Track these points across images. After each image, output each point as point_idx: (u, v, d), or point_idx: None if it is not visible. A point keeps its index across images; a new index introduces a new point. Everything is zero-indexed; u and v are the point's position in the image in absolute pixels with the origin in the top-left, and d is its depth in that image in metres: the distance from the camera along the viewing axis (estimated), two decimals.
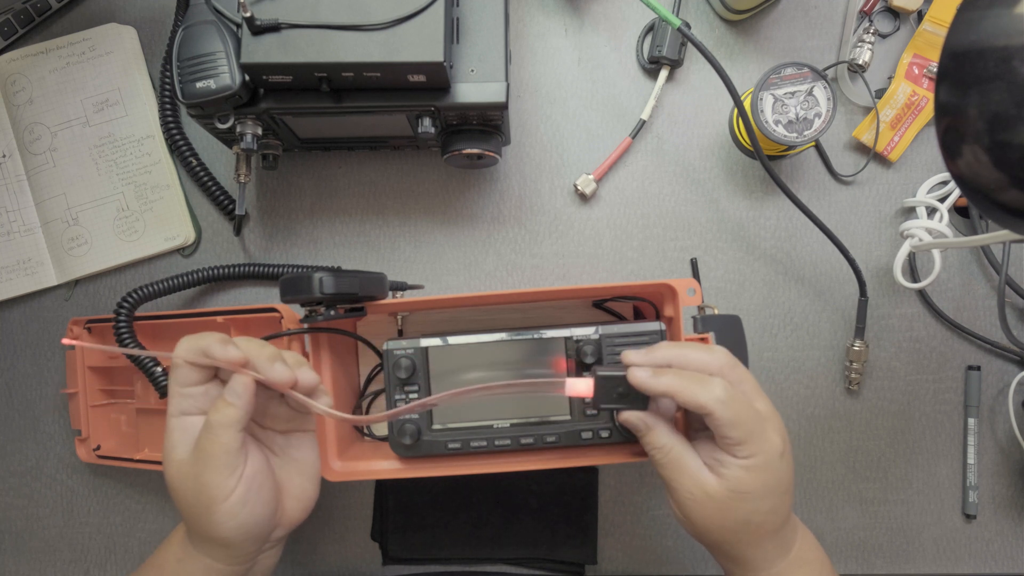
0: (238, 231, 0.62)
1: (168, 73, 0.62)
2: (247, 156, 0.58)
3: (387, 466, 0.53)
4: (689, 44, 0.59)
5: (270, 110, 0.50)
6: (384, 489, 0.61)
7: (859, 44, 0.60)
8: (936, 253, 0.56)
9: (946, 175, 0.60)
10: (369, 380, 0.60)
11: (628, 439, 0.51)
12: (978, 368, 0.60)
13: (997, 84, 0.31)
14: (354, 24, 0.46)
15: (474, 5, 0.51)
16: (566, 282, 0.62)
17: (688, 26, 0.53)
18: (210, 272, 0.59)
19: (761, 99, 0.55)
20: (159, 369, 0.55)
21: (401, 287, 0.59)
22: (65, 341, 0.43)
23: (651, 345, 0.44)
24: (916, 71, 0.60)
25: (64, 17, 0.64)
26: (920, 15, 0.60)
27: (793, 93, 0.55)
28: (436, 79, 0.49)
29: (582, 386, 0.43)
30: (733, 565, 0.44)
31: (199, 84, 0.48)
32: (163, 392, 0.55)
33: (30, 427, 0.64)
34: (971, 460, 0.60)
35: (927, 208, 0.59)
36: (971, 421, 0.60)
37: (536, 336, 0.51)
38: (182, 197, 0.62)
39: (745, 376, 0.43)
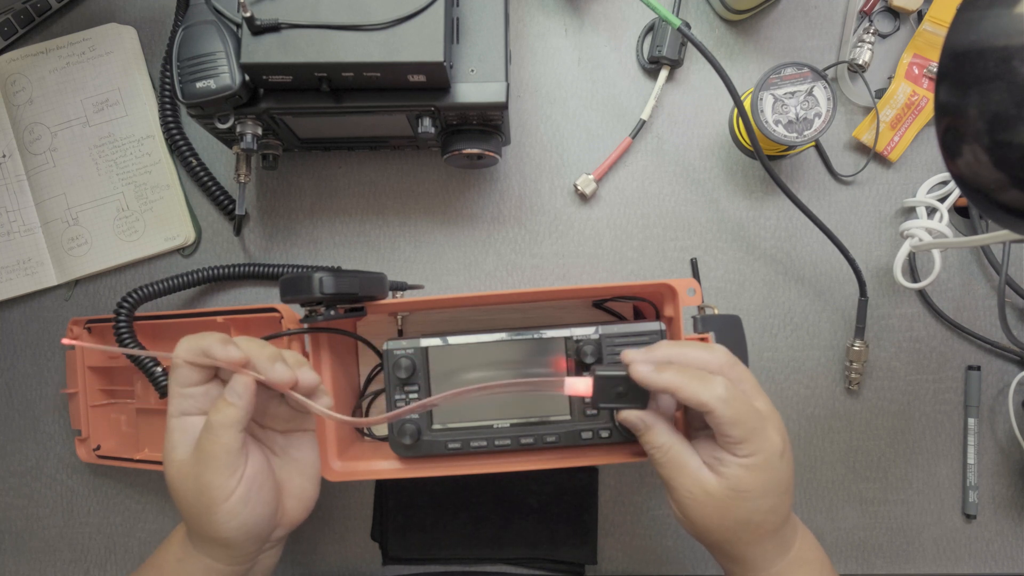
0: (238, 231, 0.62)
1: (168, 73, 0.62)
2: (247, 156, 0.58)
3: (387, 466, 0.53)
4: (689, 44, 0.59)
5: (270, 110, 0.50)
6: (384, 489, 0.61)
7: (859, 44, 0.60)
8: (936, 253, 0.56)
9: (946, 175, 0.60)
10: (369, 380, 0.60)
11: (628, 439, 0.51)
12: (978, 368, 0.60)
13: (997, 84, 0.31)
14: (354, 24, 0.46)
15: (474, 5, 0.51)
16: (566, 282, 0.62)
17: (688, 26, 0.53)
18: (210, 272, 0.59)
19: (761, 99, 0.55)
20: (159, 369, 0.55)
21: (401, 287, 0.59)
22: (65, 341, 0.43)
23: (651, 344, 0.44)
24: (916, 71, 0.60)
25: (64, 17, 0.64)
26: (920, 15, 0.60)
27: (793, 93, 0.55)
28: (436, 79, 0.49)
29: (581, 385, 0.43)
30: (733, 565, 0.44)
31: (199, 84, 0.48)
32: (163, 392, 0.55)
33: (30, 427, 0.64)
34: (971, 460, 0.60)
35: (927, 208, 0.59)
36: (971, 421, 0.60)
37: (536, 336, 0.51)
38: (182, 197, 0.62)
39: (745, 375, 0.43)
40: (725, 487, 0.41)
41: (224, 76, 0.48)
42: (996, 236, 0.45)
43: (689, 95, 0.62)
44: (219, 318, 0.55)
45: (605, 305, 0.58)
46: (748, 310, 0.61)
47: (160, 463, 0.57)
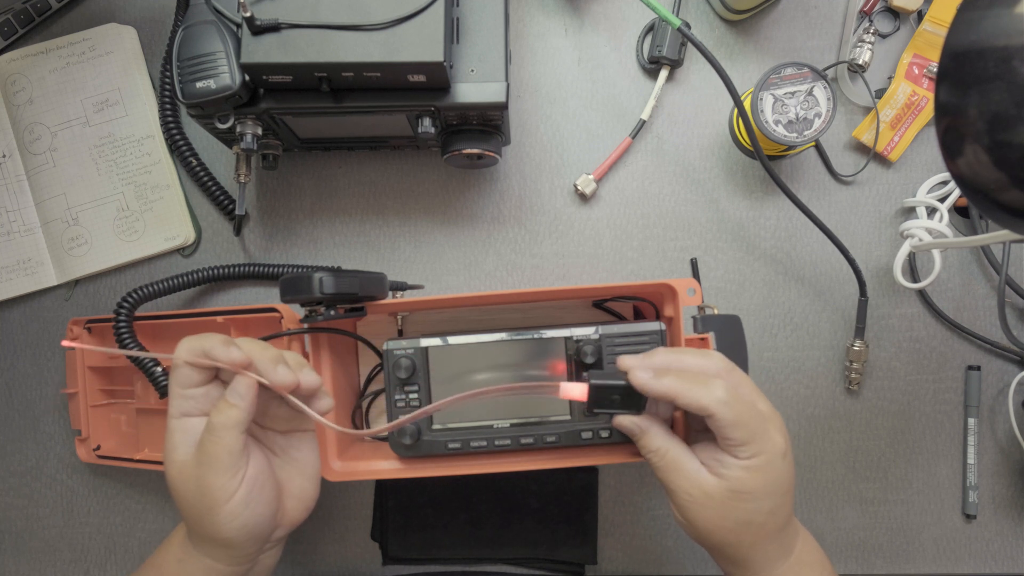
0: (238, 231, 0.62)
1: (168, 73, 0.62)
2: (247, 156, 0.58)
3: (387, 466, 0.53)
4: (689, 44, 0.59)
5: (270, 110, 0.50)
6: (384, 489, 0.61)
7: (859, 44, 0.60)
8: (936, 253, 0.56)
9: (946, 175, 0.60)
10: (369, 380, 0.60)
11: (628, 439, 0.50)
12: (978, 368, 0.60)
13: (997, 84, 0.31)
14: (354, 24, 0.46)
15: (474, 5, 0.51)
16: (566, 282, 0.62)
17: (688, 26, 0.53)
18: (210, 272, 0.59)
19: (761, 99, 0.55)
20: (159, 369, 0.55)
21: (401, 287, 0.59)
22: (65, 343, 0.43)
23: (647, 351, 0.44)
24: (916, 71, 0.60)
25: (64, 17, 0.64)
26: (920, 15, 0.60)
27: (793, 93, 0.55)
28: (436, 79, 0.49)
29: (577, 391, 0.43)
30: (734, 568, 0.44)
31: (199, 84, 0.48)
32: (163, 392, 0.55)
33: (30, 427, 0.64)
34: (971, 460, 0.60)
35: (927, 208, 0.59)
36: (971, 421, 0.60)
37: (536, 336, 0.51)
38: (182, 197, 0.62)
39: (743, 379, 0.43)
40: (725, 488, 0.41)
41: (224, 76, 0.48)
42: (996, 236, 0.45)
43: (689, 95, 0.62)
44: (219, 318, 0.55)
45: (605, 305, 0.58)
46: (748, 310, 0.61)
47: (160, 463, 0.57)
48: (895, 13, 0.61)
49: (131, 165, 0.62)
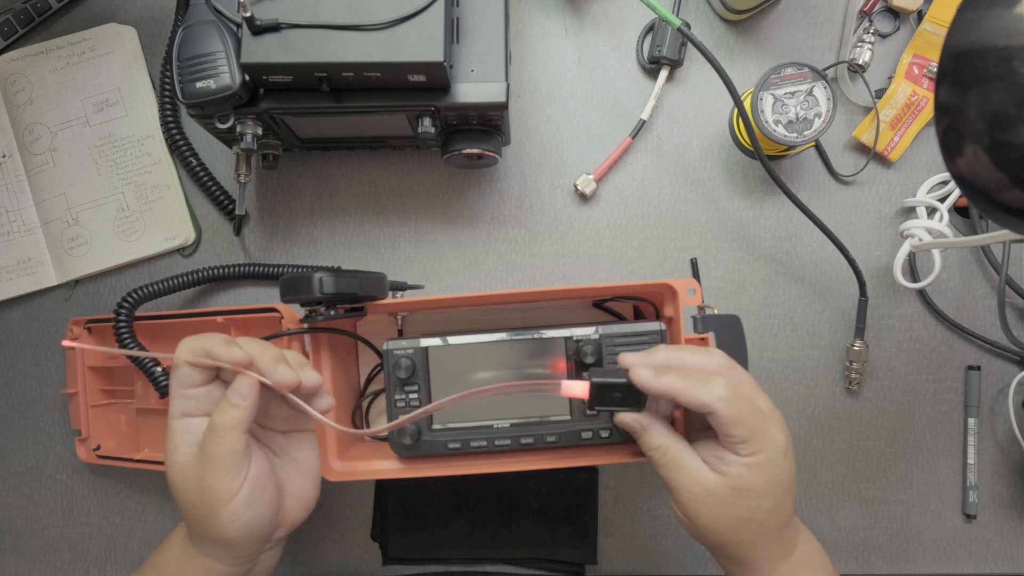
0: (238, 231, 0.62)
1: (168, 73, 0.62)
2: (247, 156, 0.58)
3: (387, 466, 0.53)
4: (689, 44, 0.59)
5: (270, 110, 0.50)
6: (384, 489, 0.61)
7: (859, 44, 0.60)
8: (936, 253, 0.56)
9: (946, 175, 0.60)
10: (369, 380, 0.60)
11: (628, 439, 0.50)
12: (978, 368, 0.60)
13: (997, 84, 0.31)
14: (354, 24, 0.46)
15: (474, 5, 0.51)
16: (566, 282, 0.62)
17: (688, 26, 0.53)
18: (210, 272, 0.59)
19: (761, 99, 0.55)
20: (159, 369, 0.55)
21: (401, 287, 0.59)
22: (65, 343, 0.43)
23: (648, 348, 0.44)
24: (916, 71, 0.60)
25: (64, 17, 0.64)
26: (920, 15, 0.60)
27: (793, 93, 0.55)
28: (436, 79, 0.49)
29: (578, 388, 0.43)
30: (735, 567, 0.44)
31: (199, 84, 0.48)
32: (163, 392, 0.55)
33: (30, 427, 0.64)
34: (971, 460, 0.60)
35: (927, 208, 0.59)
36: (971, 421, 0.60)
37: (536, 336, 0.51)
38: (182, 197, 0.62)
39: (743, 376, 0.43)
40: (727, 486, 0.41)
41: (224, 76, 0.48)
42: (996, 236, 0.45)
43: (689, 95, 0.62)
44: (219, 318, 0.55)
45: (605, 305, 0.58)
46: (748, 310, 0.61)
47: (160, 463, 0.57)
48: (895, 13, 0.61)
49: (131, 165, 0.62)
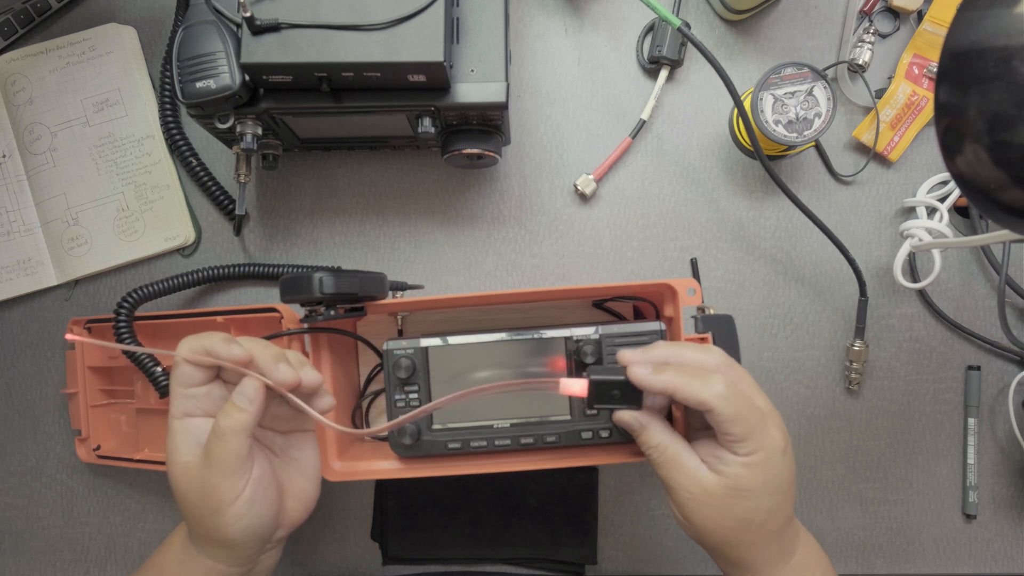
0: (238, 231, 0.62)
1: (168, 73, 0.62)
2: (247, 156, 0.58)
3: (387, 466, 0.53)
4: (689, 44, 0.59)
5: (270, 110, 0.50)
6: (384, 489, 0.61)
7: (859, 44, 0.60)
8: (936, 253, 0.56)
9: (946, 175, 0.60)
10: (369, 380, 0.60)
11: (628, 439, 0.50)
12: (978, 368, 0.60)
13: (997, 84, 0.31)
14: (354, 24, 0.46)
15: (474, 5, 0.51)
16: (566, 282, 0.62)
17: (688, 26, 0.53)
18: (210, 272, 0.59)
19: (761, 99, 0.55)
20: (159, 369, 0.55)
21: (401, 287, 0.59)
22: (69, 336, 0.43)
23: (648, 345, 0.44)
24: (916, 71, 0.60)
25: (64, 17, 0.64)
26: (920, 15, 0.60)
27: (793, 93, 0.55)
28: (436, 79, 0.49)
29: (576, 386, 0.42)
30: (734, 569, 0.44)
31: (199, 84, 0.48)
32: (163, 392, 0.55)
33: (30, 427, 0.64)
34: (971, 460, 0.60)
35: (927, 208, 0.59)
36: (971, 421, 0.60)
37: (536, 336, 0.51)
38: (182, 197, 0.62)
39: (742, 375, 0.43)
40: (725, 486, 0.41)
41: (224, 76, 0.48)
42: (996, 236, 0.45)
43: (689, 95, 0.62)
44: (219, 318, 0.55)
45: (605, 305, 0.58)
46: (748, 310, 0.61)
47: (160, 463, 0.57)
48: (895, 13, 0.61)
49: (131, 165, 0.62)
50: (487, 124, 0.54)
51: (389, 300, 0.53)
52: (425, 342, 0.51)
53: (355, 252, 0.62)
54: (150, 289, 0.56)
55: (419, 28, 0.46)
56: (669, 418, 0.51)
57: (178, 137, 0.61)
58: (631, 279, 0.62)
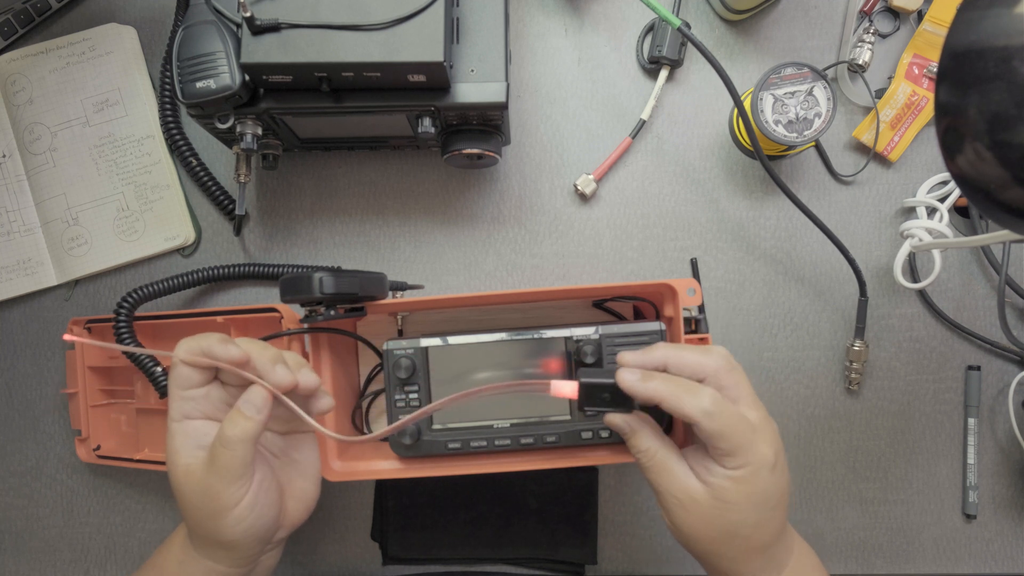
0: (238, 231, 0.62)
1: (168, 73, 0.62)
2: (247, 156, 0.58)
3: (387, 466, 0.53)
4: (689, 44, 0.59)
5: (270, 110, 0.50)
6: (384, 489, 0.61)
7: (859, 44, 0.60)
8: (936, 253, 0.56)
9: (946, 175, 0.60)
10: (369, 380, 0.60)
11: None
12: (978, 368, 0.60)
13: (997, 84, 0.31)
14: (354, 24, 0.46)
15: (474, 5, 0.51)
16: (566, 282, 0.62)
17: (688, 26, 0.53)
18: (210, 272, 0.59)
19: (761, 99, 0.55)
20: (159, 369, 0.55)
21: (401, 287, 0.59)
22: (67, 336, 0.43)
23: (649, 346, 0.44)
24: (916, 71, 0.60)
25: (64, 17, 0.64)
26: (920, 15, 0.60)
27: (793, 93, 0.55)
28: (436, 79, 0.49)
29: (567, 388, 0.42)
30: None
31: (199, 84, 0.48)
32: (163, 392, 0.55)
33: (30, 427, 0.64)
34: (971, 460, 0.60)
35: (927, 208, 0.59)
36: (971, 421, 0.60)
37: (536, 336, 0.51)
38: (182, 197, 0.62)
39: (739, 382, 0.42)
40: (710, 495, 0.40)
41: (224, 76, 0.48)
42: (996, 236, 0.45)
43: (689, 95, 0.62)
44: (219, 318, 0.55)
45: (605, 305, 0.58)
46: (748, 310, 0.61)
47: (161, 463, 0.57)
48: (895, 13, 0.61)
49: (131, 165, 0.62)
50: (487, 124, 0.54)
51: (389, 300, 0.52)
52: (425, 342, 0.51)
53: (355, 252, 0.62)
54: (150, 289, 0.56)
55: (419, 28, 0.46)
56: (670, 420, 0.51)
57: (178, 137, 0.61)
58: (631, 279, 0.62)
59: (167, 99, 0.62)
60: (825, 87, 0.54)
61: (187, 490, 0.41)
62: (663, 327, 0.50)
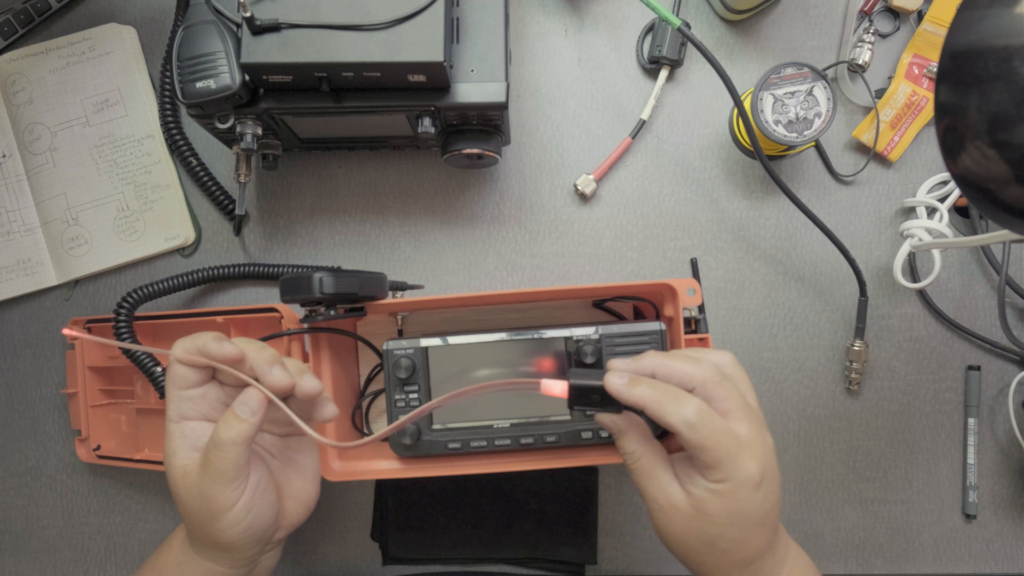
0: (238, 231, 0.62)
1: (168, 73, 0.62)
2: (247, 156, 0.58)
3: (387, 466, 0.53)
4: (689, 44, 0.59)
5: (270, 110, 0.50)
6: (384, 489, 0.61)
7: (859, 44, 0.60)
8: (936, 253, 0.56)
9: (946, 175, 0.60)
10: (369, 380, 0.60)
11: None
12: (978, 368, 0.60)
13: (997, 84, 0.31)
14: (354, 24, 0.46)
15: (474, 5, 0.51)
16: (566, 282, 0.62)
17: (688, 26, 0.53)
18: (210, 272, 0.59)
19: (761, 99, 0.55)
20: (159, 369, 0.55)
21: (401, 287, 0.59)
22: (66, 331, 0.42)
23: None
24: (916, 71, 0.60)
25: (64, 17, 0.64)
26: (920, 15, 0.60)
27: (793, 93, 0.55)
28: (436, 79, 0.49)
29: (557, 388, 0.42)
30: None
31: (199, 84, 0.48)
32: (163, 392, 0.55)
33: (30, 427, 0.64)
34: (971, 460, 0.60)
35: (927, 208, 0.59)
36: (971, 421, 0.60)
37: (536, 336, 0.51)
38: (182, 197, 0.62)
39: (729, 393, 0.40)
40: (690, 505, 0.40)
41: (224, 76, 0.48)
42: (996, 236, 0.45)
43: (689, 95, 0.62)
44: (219, 318, 0.55)
45: (605, 305, 0.58)
46: (748, 310, 0.61)
47: (160, 463, 0.57)
48: (895, 13, 0.61)
49: (131, 165, 0.62)
50: (487, 124, 0.54)
51: (389, 300, 0.52)
52: (425, 342, 0.51)
53: (355, 252, 0.62)
54: (150, 289, 0.56)
55: (419, 28, 0.46)
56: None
57: (178, 137, 0.61)
58: (631, 279, 0.62)
59: (167, 99, 0.62)
60: (825, 87, 0.54)
61: (183, 492, 0.41)
62: (663, 327, 0.50)
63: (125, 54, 0.63)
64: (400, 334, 0.59)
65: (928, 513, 0.61)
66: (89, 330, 0.60)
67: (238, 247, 0.63)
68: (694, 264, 0.61)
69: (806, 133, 0.54)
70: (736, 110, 0.58)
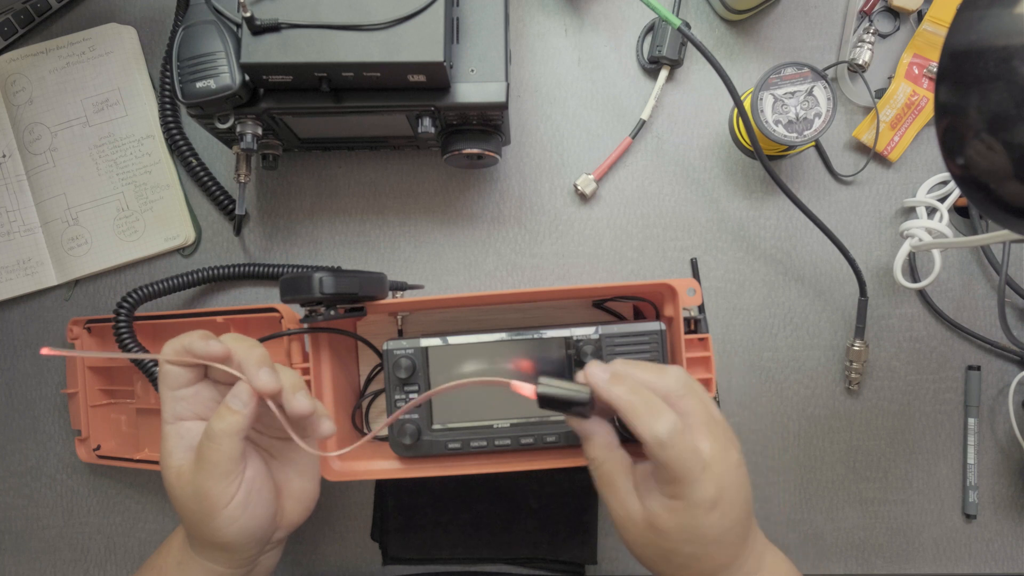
0: (238, 231, 0.62)
1: (168, 73, 0.62)
2: (247, 156, 0.58)
3: (387, 466, 0.53)
4: (689, 44, 0.59)
5: (270, 110, 0.50)
6: (384, 489, 0.61)
7: (859, 44, 0.60)
8: (936, 253, 0.56)
9: (946, 175, 0.60)
10: (369, 380, 0.60)
11: (627, 439, 0.50)
12: (978, 368, 0.60)
13: (997, 84, 0.31)
14: (354, 24, 0.46)
15: (474, 5, 0.51)
16: (566, 282, 0.62)
17: (688, 26, 0.53)
18: (210, 272, 0.59)
19: (761, 99, 0.55)
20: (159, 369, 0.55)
21: (401, 287, 0.59)
22: (44, 351, 0.40)
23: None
24: (916, 71, 0.60)
25: (64, 17, 0.64)
26: (920, 15, 0.60)
27: (793, 93, 0.55)
28: (436, 79, 0.49)
29: (527, 390, 0.41)
30: None
31: (199, 84, 0.48)
32: None
33: (30, 427, 0.64)
34: (971, 460, 0.60)
35: (927, 208, 0.59)
36: (971, 421, 0.60)
37: (536, 336, 0.51)
38: (182, 197, 0.62)
39: (694, 408, 0.39)
40: (644, 519, 0.40)
41: (224, 76, 0.48)
42: (996, 236, 0.45)
43: (689, 95, 0.62)
44: (219, 318, 0.55)
45: (605, 305, 0.58)
46: (748, 310, 0.61)
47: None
48: (895, 13, 0.61)
49: (131, 165, 0.62)
50: (487, 124, 0.54)
51: (389, 300, 0.53)
52: (425, 342, 0.51)
53: (355, 252, 0.62)
54: (150, 289, 0.56)
55: (419, 28, 0.46)
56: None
57: (178, 137, 0.61)
58: (631, 279, 0.62)
59: (167, 99, 0.62)
60: (825, 87, 0.54)
61: (179, 492, 0.41)
62: (663, 327, 0.50)
63: (125, 54, 0.63)
64: (400, 334, 0.59)
65: (928, 513, 0.61)
66: (89, 330, 0.60)
67: (238, 247, 0.63)
68: (694, 264, 0.61)
69: (806, 133, 0.54)
70: (736, 110, 0.58)
